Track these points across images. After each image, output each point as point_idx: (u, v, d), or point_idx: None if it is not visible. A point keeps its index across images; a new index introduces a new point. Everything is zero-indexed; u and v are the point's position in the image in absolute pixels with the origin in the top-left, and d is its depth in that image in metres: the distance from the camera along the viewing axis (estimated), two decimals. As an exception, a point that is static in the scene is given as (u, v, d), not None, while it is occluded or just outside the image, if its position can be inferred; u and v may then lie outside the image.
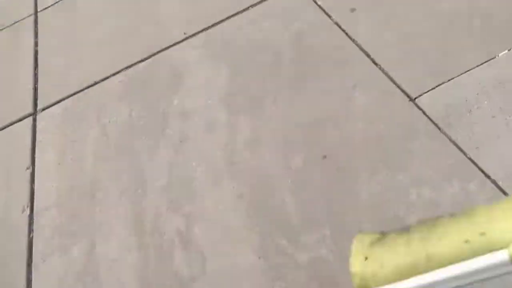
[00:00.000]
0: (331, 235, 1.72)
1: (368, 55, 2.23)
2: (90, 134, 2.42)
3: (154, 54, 2.67)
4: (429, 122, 1.89)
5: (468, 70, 1.98)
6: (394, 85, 2.06)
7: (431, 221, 0.56)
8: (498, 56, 1.98)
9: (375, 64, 2.18)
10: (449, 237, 0.53)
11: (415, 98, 1.98)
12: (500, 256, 0.51)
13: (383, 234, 0.54)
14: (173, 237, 1.90)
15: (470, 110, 1.86)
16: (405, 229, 0.54)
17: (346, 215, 1.76)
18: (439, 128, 1.86)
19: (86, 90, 2.66)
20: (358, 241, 0.54)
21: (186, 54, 2.60)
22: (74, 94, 2.66)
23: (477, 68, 1.98)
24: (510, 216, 0.54)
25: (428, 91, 1.98)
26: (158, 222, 1.96)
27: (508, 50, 1.98)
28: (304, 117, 2.10)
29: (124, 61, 2.69)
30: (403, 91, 2.03)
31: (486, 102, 1.86)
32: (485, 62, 1.98)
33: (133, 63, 2.67)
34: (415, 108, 1.95)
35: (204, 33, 2.67)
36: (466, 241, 0.51)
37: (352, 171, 1.86)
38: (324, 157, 1.93)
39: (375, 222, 1.70)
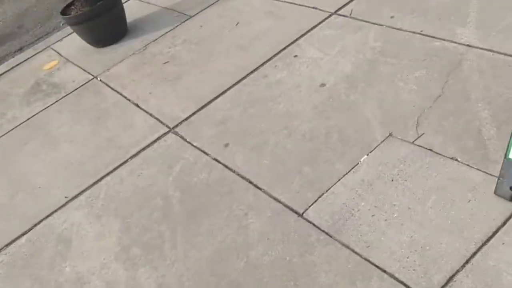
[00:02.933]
0: None
1: (250, 182, 2.38)
2: (-28, 330, 2.15)
3: (35, 225, 2.55)
4: (321, 232, 2.03)
5: (340, 179, 2.22)
6: (281, 205, 2.21)
7: None
8: (360, 161, 2.27)
9: (259, 188, 2.33)
10: None
11: (303, 213, 2.14)
12: None
13: None
14: None
15: (352, 214, 2.06)
16: None
17: None
18: (330, 236, 2.01)
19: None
20: None
21: (70, 217, 2.53)
22: None
23: (346, 175, 2.22)
24: None
25: (311, 204, 2.16)
26: None
27: (367, 155, 2.28)
28: (206, 254, 2.12)
29: (2, 239, 2.51)
30: (290, 209, 2.18)
31: (363, 203, 2.08)
32: (351, 169, 2.24)
33: (13, 239, 2.51)
34: (306, 222, 2.10)
35: (86, 192, 2.64)
36: None
37: (265, 297, 1.89)
38: (235, 290, 1.94)
39: None
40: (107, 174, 2.73)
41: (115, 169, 2.74)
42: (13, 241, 2.51)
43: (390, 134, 2.33)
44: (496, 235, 1.81)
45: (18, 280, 2.29)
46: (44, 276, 2.27)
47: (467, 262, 1.77)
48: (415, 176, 2.11)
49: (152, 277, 2.09)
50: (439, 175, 2.08)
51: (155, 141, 2.85)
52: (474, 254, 1.78)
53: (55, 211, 2.60)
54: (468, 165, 2.08)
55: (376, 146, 2.30)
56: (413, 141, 2.25)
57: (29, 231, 2.53)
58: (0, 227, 2.62)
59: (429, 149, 2.20)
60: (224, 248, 2.12)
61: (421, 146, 2.22)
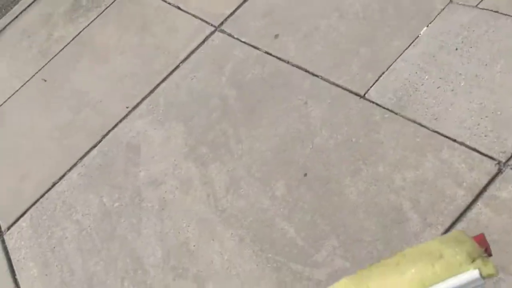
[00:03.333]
0: (339, 244, 1.77)
1: (306, 70, 2.34)
2: (67, 235, 2.35)
3: (104, 136, 2.66)
4: (385, 111, 2.01)
5: (400, 55, 2.13)
6: (341, 89, 2.18)
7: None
8: (420, 34, 2.16)
9: (316, 76, 2.30)
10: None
11: (364, 94, 2.10)
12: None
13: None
14: (190, 303, 1.87)
15: (416, 89, 2.00)
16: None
17: (345, 220, 1.81)
18: (395, 113, 1.98)
19: (46, 195, 2.58)
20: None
21: (135, 125, 2.61)
22: (35, 202, 2.58)
23: (406, 50, 2.14)
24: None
25: (373, 84, 2.11)
26: (170, 294, 1.92)
27: (427, 26, 2.16)
28: (270, 145, 2.16)
29: (76, 154, 2.66)
30: (350, 91, 2.15)
31: (426, 77, 2.01)
32: (411, 43, 2.15)
33: (86, 151, 2.64)
34: (368, 103, 2.07)
35: (146, 100, 2.69)
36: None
37: (335, 178, 1.93)
38: (305, 175, 2.00)
39: (373, 217, 1.77)
40: (162, 81, 2.75)
41: (168, 75, 2.76)
42: (86, 153, 2.64)
43: (451, 1, 2.18)
44: None
45: (98, 188, 2.45)
46: (121, 182, 2.40)
47: (542, 123, 1.71)
48: (481, 42, 2.00)
49: (222, 171, 2.18)
50: (508, 38, 1.96)
51: (202, 42, 2.81)
52: (550, 113, 1.72)
53: (120, 121, 2.68)
54: (539, 22, 1.94)
55: (437, 15, 2.16)
56: (477, 5, 2.10)
57: (99, 143, 2.65)
58: (71, 142, 2.75)
59: (495, 11, 2.05)
60: (288, 138, 2.15)
61: (485, 9, 2.08)
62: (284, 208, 1.94)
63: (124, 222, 2.25)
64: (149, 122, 2.60)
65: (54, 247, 2.34)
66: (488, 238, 1.57)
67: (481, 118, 1.81)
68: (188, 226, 2.07)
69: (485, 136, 1.76)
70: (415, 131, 1.90)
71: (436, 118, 1.89)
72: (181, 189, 2.21)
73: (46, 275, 2.25)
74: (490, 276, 0.74)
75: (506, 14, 2.02)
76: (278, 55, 2.48)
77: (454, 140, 1.81)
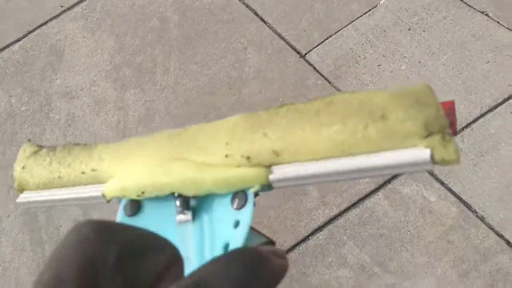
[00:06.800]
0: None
1: (256, 14, 2.18)
2: (-34, 128, 2.18)
3: (29, 32, 2.43)
4: (320, 77, 1.89)
5: (352, 21, 2.00)
6: (284, 43, 2.04)
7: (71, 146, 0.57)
8: (380, 3, 2.02)
9: (264, 22, 2.14)
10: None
11: (305, 54, 1.97)
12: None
13: (40, 148, 0.56)
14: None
15: (357, 61, 1.89)
16: (52, 149, 0.56)
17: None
18: (329, 82, 1.87)
19: (-45, 79, 2.38)
20: (21, 149, 0.57)
21: (64, 28, 2.40)
22: None
23: (361, 18, 2.00)
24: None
25: (316, 45, 1.98)
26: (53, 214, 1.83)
27: (388, -2, 2.02)
28: (197, 84, 2.02)
29: (-5, 43, 2.43)
30: (293, 48, 2.01)
31: (371, 51, 1.90)
32: (368, 11, 2.01)
33: (6, 44, 2.42)
34: (306, 65, 1.95)
35: (82, 3, 2.46)
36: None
37: (250, 134, 1.83)
38: (221, 123, 1.89)
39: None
40: (106, -14, 2.51)
41: (114, -19, 2.52)
42: (7, 46, 2.42)
43: (419, -24, 2.03)
44: (507, 103, 1.66)
45: (9, 86, 2.26)
46: (35, 85, 2.22)
47: (467, 126, 1.65)
48: (436, 28, 1.89)
49: (140, 100, 2.04)
50: (462, 30, 1.85)
51: (159, -46, 2.56)
52: (477, 119, 1.66)
53: (50, 20, 2.45)
54: (498, 22, 1.83)
55: (400, -12, 2.02)
56: (443, -13, 1.97)
57: (22, 38, 2.43)
58: (-7, 30, 2.51)
59: (459, -1, 1.93)
60: (218, 81, 2.01)
61: (451, -6, 1.95)
62: (191, 153, 1.84)
63: (27, 128, 2.10)
64: (80, 27, 2.38)
65: None
66: (377, 232, 1.54)
67: (410, 108, 1.72)
68: (90, 149, 1.95)
69: (408, 127, 1.69)
70: (343, 105, 1.80)
71: (366, 97, 1.79)
72: (93, 108, 2.07)
73: None
74: (445, 163, 0.44)
75: (469, 5, 1.90)
76: (232, -11, 2.29)
77: (377, 124, 1.73)
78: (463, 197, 1.53)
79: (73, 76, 2.20)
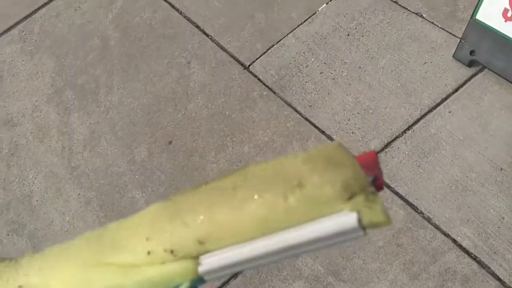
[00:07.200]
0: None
1: (197, 26, 2.16)
2: None
3: (-38, 59, 2.33)
4: (265, 88, 1.90)
5: (293, 30, 2.01)
6: (227, 55, 2.03)
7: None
8: (318, 10, 2.04)
9: (206, 35, 2.12)
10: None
11: (249, 66, 1.97)
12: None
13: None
14: (21, 262, 1.73)
15: (300, 70, 1.90)
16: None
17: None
18: (274, 92, 1.88)
19: None
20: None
21: (2, 52, 2.31)
22: None
23: (300, 26, 2.01)
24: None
25: (259, 56, 1.98)
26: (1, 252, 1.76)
27: (327, 4, 2.04)
28: (142, 103, 1.99)
29: None
30: (237, 60, 2.01)
31: (312, 59, 1.91)
32: (307, 19, 2.02)
33: None
34: (251, 76, 1.95)
35: (19, 26, 2.38)
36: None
37: (200, 151, 1.82)
38: (170, 142, 1.87)
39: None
40: (43, 6, 2.43)
41: (50, 0, 2.44)
42: None
43: (355, -19, 2.06)
44: (445, 103, 1.71)
45: None
46: (-27, 115, 2.14)
47: (408, 128, 1.69)
48: (373, 32, 1.92)
49: (85, 123, 1.99)
50: (399, 32, 1.89)
51: (96, -30, 2.50)
52: (418, 120, 1.70)
53: (-15, 45, 2.36)
54: (432, 22, 1.88)
55: (337, -6, 2.05)
56: (379, -9, 2.01)
57: (-43, 65, 2.33)
58: None
59: (394, 1, 1.97)
60: (162, 98, 1.99)
61: (386, -2, 1.99)
62: (140, 175, 1.81)
63: (-32, 161, 2.02)
64: (19, 51, 2.30)
65: None
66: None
67: (353, 114, 1.75)
68: (35, 178, 1.89)
69: (352, 133, 1.72)
70: (289, 115, 1.81)
71: (311, 105, 1.81)
72: (36, 135, 2.00)
73: None
74: (375, 225, 0.42)
75: (403, 7, 1.94)
76: (172, 2, 2.26)
77: (323, 132, 1.75)
78: (410, 199, 1.57)
79: (14, 102, 2.13)
